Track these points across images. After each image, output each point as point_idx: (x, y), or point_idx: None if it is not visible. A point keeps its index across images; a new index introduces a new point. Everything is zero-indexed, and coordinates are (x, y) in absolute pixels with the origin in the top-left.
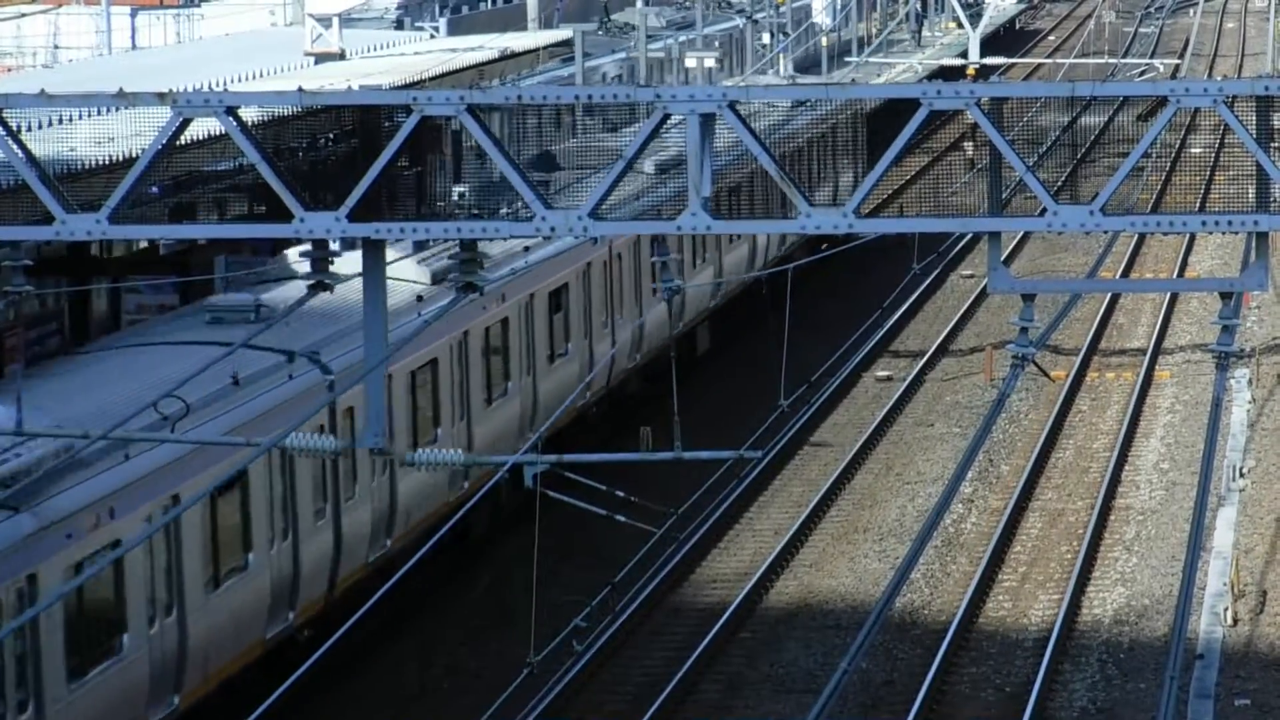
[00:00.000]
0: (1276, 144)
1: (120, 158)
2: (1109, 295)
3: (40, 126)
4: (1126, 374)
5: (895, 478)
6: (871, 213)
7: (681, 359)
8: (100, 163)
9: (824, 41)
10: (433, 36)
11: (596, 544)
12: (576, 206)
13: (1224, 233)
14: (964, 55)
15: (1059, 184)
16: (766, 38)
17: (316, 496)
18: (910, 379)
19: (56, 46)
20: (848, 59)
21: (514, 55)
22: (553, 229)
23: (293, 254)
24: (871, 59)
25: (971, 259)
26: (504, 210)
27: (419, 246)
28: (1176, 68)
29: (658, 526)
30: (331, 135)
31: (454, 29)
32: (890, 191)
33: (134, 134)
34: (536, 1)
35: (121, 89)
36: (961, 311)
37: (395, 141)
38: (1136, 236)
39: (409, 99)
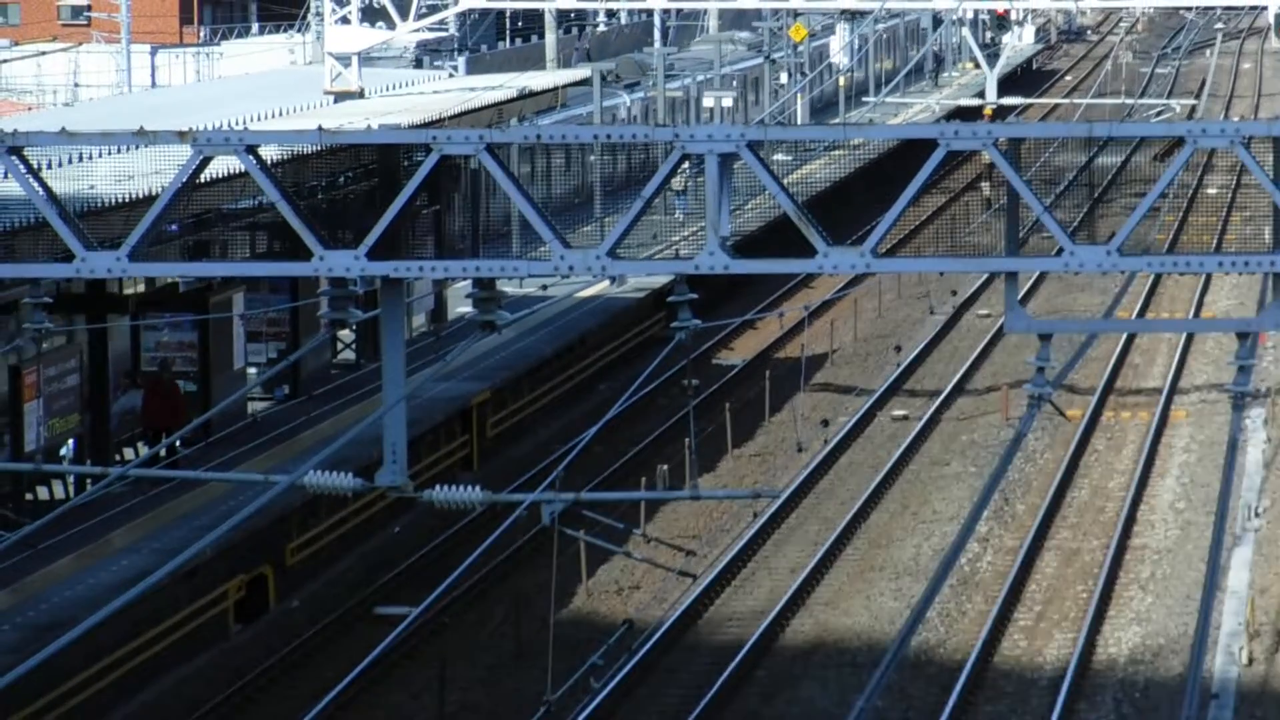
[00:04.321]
0: None
1: (140, 195)
2: (1125, 334)
3: (61, 164)
4: (1142, 413)
5: (911, 516)
6: (888, 252)
7: None
8: (120, 200)
9: (841, 81)
10: (451, 75)
11: (614, 581)
12: (595, 245)
13: (1240, 273)
14: (981, 95)
15: (1076, 224)
16: (784, 77)
17: None
18: (926, 418)
19: (77, 84)
20: (865, 99)
21: (533, 94)
22: (571, 268)
23: None
24: (888, 99)
25: (988, 298)
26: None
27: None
28: (1193, 108)
29: (675, 565)
30: (351, 174)
31: (473, 68)
32: (907, 231)
33: (154, 172)
34: (555, 41)
35: (141, 127)
36: (978, 351)
37: (414, 180)
38: (1153, 276)
39: (428, 138)
